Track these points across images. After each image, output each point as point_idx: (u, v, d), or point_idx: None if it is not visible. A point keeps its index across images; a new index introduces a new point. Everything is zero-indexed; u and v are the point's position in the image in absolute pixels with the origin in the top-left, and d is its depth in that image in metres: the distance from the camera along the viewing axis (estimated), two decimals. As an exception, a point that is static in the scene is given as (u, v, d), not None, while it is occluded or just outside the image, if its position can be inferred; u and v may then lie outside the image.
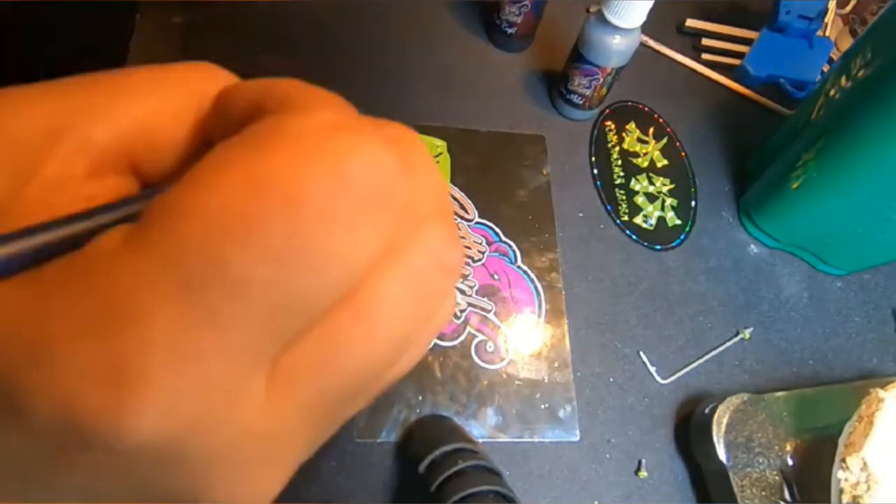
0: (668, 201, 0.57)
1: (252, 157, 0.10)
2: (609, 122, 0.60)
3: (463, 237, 0.51)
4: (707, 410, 0.44)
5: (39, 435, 0.10)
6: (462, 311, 0.48)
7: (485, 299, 0.49)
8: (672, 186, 0.58)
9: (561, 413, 0.46)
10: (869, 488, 0.37)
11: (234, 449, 0.11)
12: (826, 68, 0.64)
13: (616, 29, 0.49)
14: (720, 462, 0.42)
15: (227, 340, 0.10)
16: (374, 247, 0.11)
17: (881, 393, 0.40)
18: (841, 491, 0.38)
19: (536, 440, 0.45)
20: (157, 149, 0.13)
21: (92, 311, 0.10)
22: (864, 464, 0.37)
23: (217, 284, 0.10)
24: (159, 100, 0.13)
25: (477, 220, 0.52)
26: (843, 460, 0.38)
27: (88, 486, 0.11)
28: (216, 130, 0.13)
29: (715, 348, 0.51)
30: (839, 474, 0.38)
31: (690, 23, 0.65)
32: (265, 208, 0.10)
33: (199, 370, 0.10)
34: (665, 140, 0.60)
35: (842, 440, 0.39)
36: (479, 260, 0.51)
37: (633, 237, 0.54)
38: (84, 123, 0.12)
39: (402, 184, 0.11)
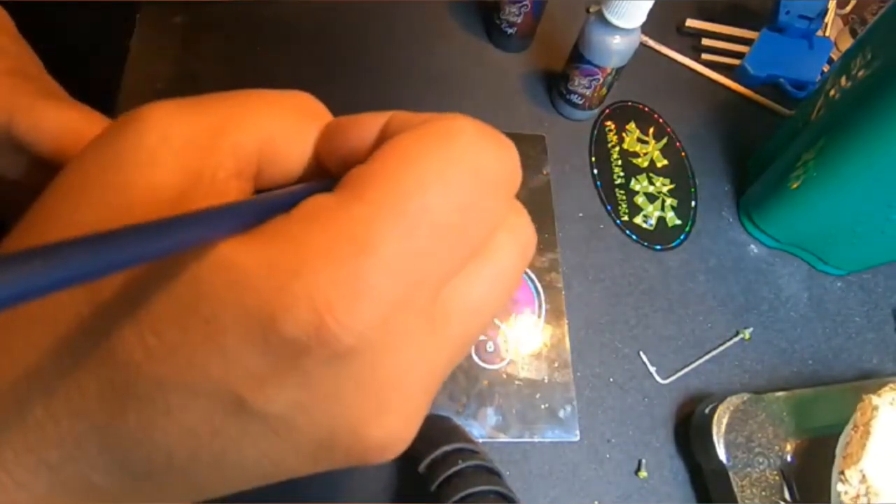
0: (668, 201, 0.57)
1: (437, 142, 0.14)
2: (609, 122, 0.60)
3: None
4: (707, 410, 0.44)
5: (273, 350, 0.12)
6: (462, 311, 0.48)
7: (485, 299, 0.49)
8: (672, 186, 0.58)
9: (561, 413, 0.46)
10: (869, 501, 0.37)
11: (410, 374, 0.14)
12: (826, 68, 0.64)
13: (616, 29, 0.49)
14: (720, 462, 0.42)
15: (426, 267, 0.13)
16: (503, 212, 0.15)
17: (875, 399, 0.40)
18: (841, 504, 0.38)
19: (536, 440, 0.45)
20: (279, 161, 0.16)
21: (334, 243, 0.13)
22: (863, 476, 0.37)
23: (427, 225, 0.13)
24: (282, 119, 0.16)
25: (477, 220, 0.52)
26: (842, 473, 0.38)
27: (293, 407, 0.13)
28: (327, 155, 0.16)
29: (715, 348, 0.51)
30: (838, 487, 0.38)
31: (690, 23, 0.65)
32: (458, 174, 0.14)
33: (409, 286, 0.13)
34: (665, 140, 0.60)
35: (839, 451, 0.39)
36: (479, 260, 0.50)
37: (633, 237, 0.54)
38: (233, 131, 0.15)
39: (519, 173, 0.16)
